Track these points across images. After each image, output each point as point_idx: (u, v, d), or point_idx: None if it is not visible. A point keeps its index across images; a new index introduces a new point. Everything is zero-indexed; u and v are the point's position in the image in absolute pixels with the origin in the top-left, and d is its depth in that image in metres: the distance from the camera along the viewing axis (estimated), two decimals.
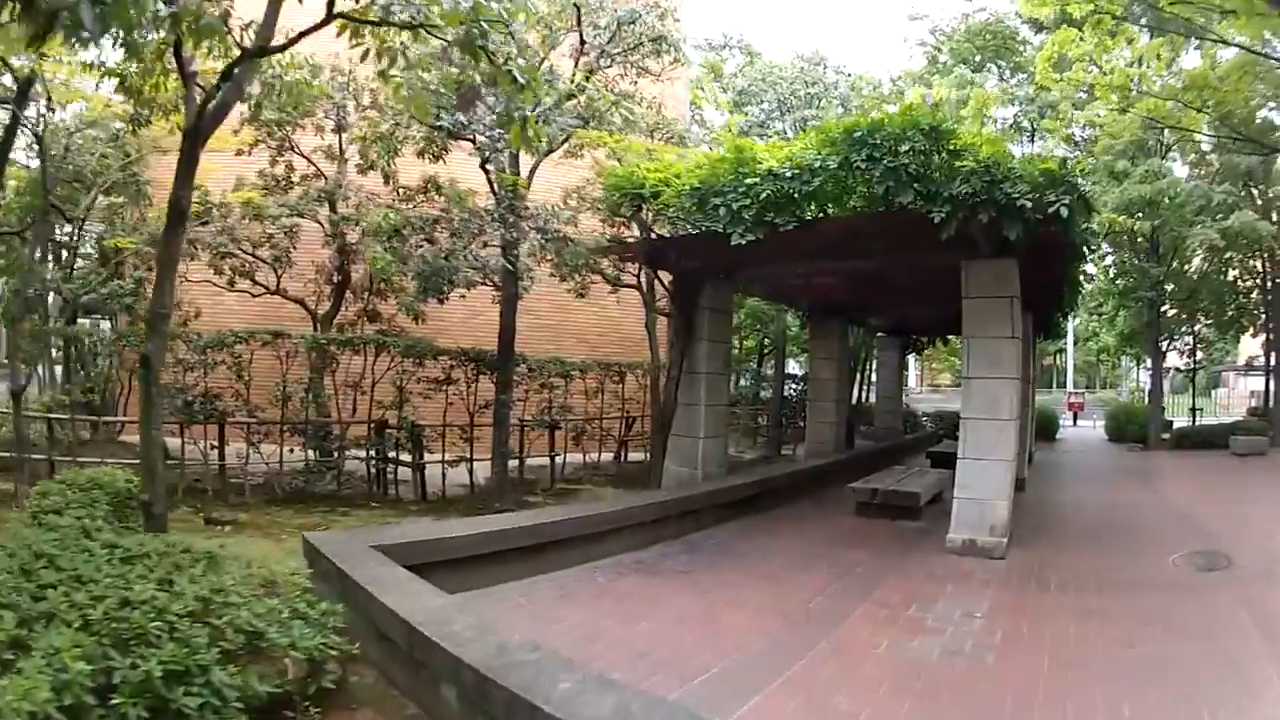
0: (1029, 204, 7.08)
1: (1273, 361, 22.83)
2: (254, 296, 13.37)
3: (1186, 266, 22.18)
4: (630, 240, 11.06)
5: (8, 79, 8.74)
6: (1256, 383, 31.45)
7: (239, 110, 10.83)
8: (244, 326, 11.41)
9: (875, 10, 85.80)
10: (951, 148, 7.65)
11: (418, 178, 12.46)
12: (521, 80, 4.92)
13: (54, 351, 12.71)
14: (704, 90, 19.49)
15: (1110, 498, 12.81)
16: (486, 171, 10.37)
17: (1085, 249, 9.32)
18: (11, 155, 9.57)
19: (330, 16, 5.23)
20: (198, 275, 12.63)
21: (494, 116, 8.78)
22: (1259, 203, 19.08)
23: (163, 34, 5.36)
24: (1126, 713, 4.34)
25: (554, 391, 12.97)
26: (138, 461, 9.83)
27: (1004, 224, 7.28)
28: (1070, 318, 20.72)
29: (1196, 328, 24.62)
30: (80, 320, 14.56)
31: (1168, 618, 6.09)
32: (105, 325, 15.32)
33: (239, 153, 12.08)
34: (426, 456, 11.28)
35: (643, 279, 12.49)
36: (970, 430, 8.30)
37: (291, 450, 10.77)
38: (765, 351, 23.93)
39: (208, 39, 5.37)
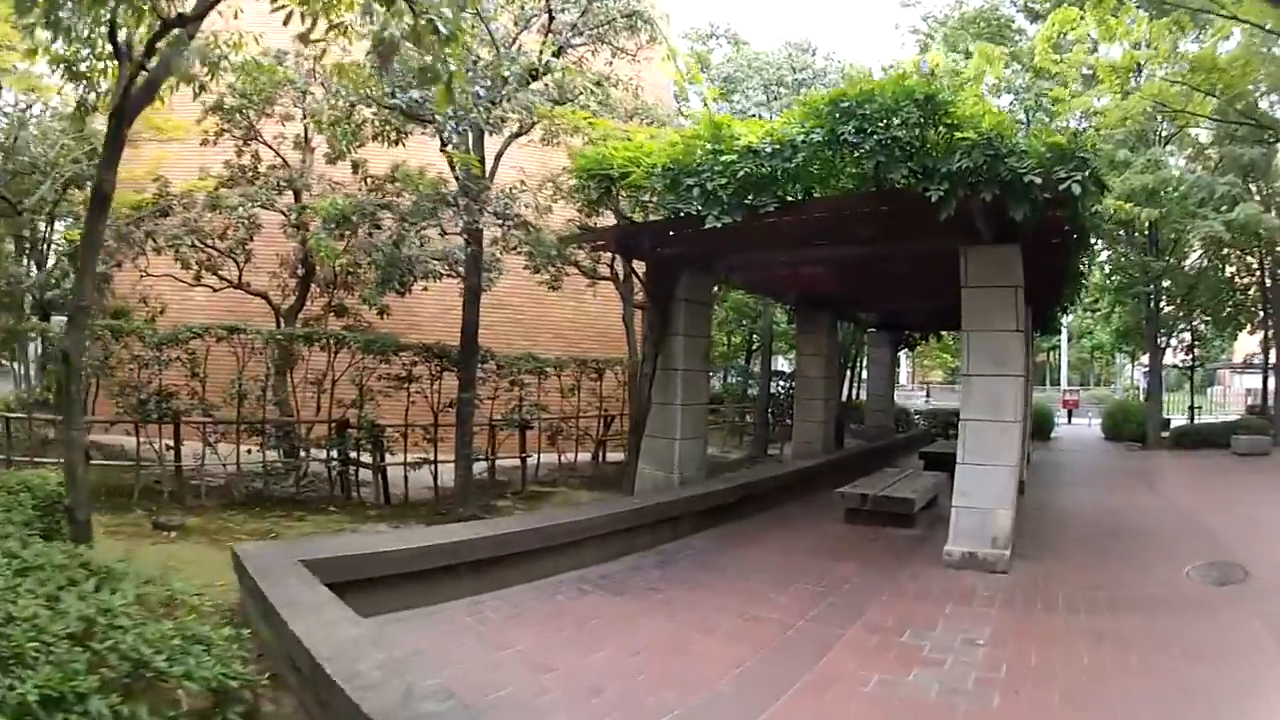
0: (1037, 180, 6.36)
1: (1272, 359, 22.62)
2: (215, 291, 12.81)
3: (1184, 262, 21.78)
4: (603, 228, 10.31)
5: None
6: (1252, 380, 31.18)
7: (203, 99, 10.28)
8: (212, 322, 10.84)
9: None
10: (949, 121, 6.92)
11: (387, 166, 11.76)
12: (445, 32, 4.20)
13: (32, 350, 12.18)
14: (689, 81, 18.81)
15: (1113, 501, 12.15)
16: (447, 154, 9.67)
17: (1092, 236, 8.59)
18: None
19: None
20: (163, 269, 12.22)
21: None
22: (1259, 196, 18.55)
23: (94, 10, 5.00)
24: None
25: (525, 389, 12.28)
26: (109, 462, 9.57)
27: (1008, 203, 6.55)
28: (1066, 313, 20.07)
29: (1194, 324, 24.22)
30: (56, 318, 14.09)
31: (1184, 640, 5.49)
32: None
33: (204, 143, 11.58)
34: (389, 458, 10.68)
35: (619, 270, 11.75)
36: (971, 433, 7.57)
37: (250, 451, 10.23)
38: (753, 348, 23.24)
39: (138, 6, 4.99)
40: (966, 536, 7.39)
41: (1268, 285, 21.75)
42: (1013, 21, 24.06)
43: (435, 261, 11.60)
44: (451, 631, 5.49)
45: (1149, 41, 13.70)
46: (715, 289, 13.25)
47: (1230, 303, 22.88)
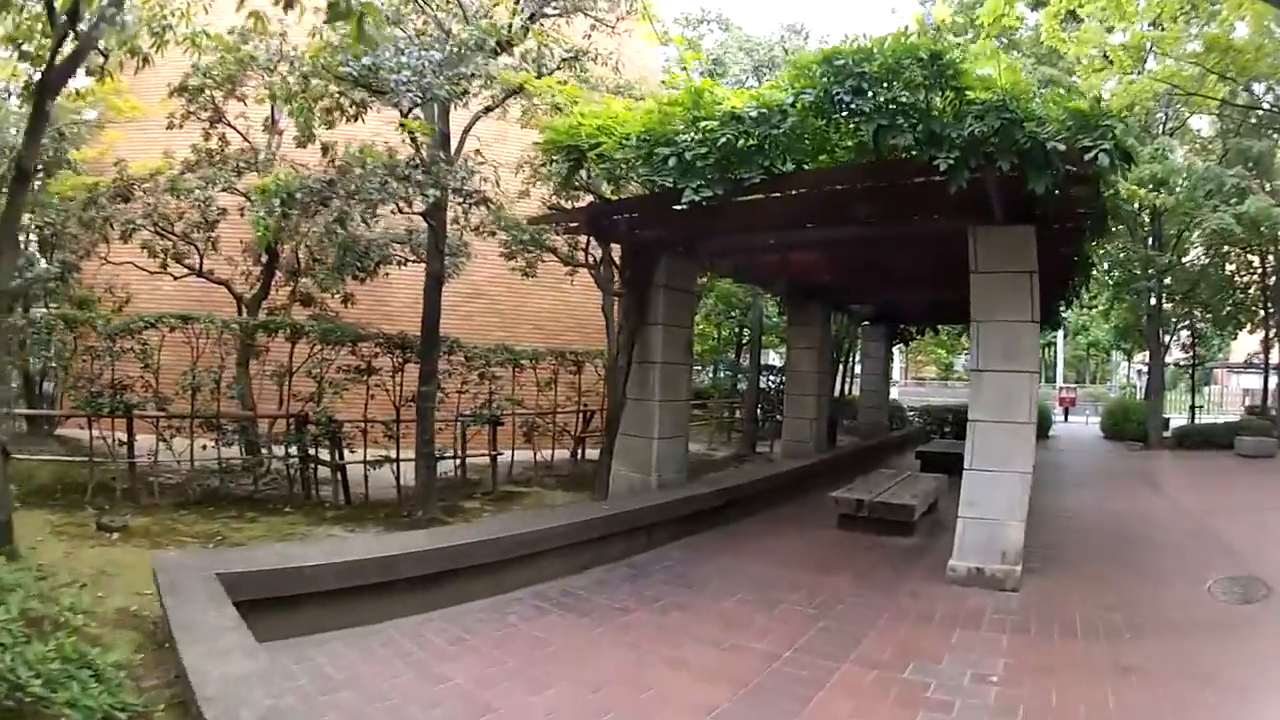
0: (1061, 147, 5.59)
1: (1274, 359, 22.25)
2: (176, 279, 12.05)
3: (1183, 259, 21.25)
4: (575, 209, 9.50)
5: None
6: (1249, 380, 30.69)
7: (167, 79, 10.12)
8: (166, 312, 10.26)
9: None
10: (958, 84, 6.11)
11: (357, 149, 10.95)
12: None
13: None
14: (664, 43, 18.02)
15: (1120, 505, 11.44)
16: (404, 123, 8.89)
17: (1111, 220, 7.84)
18: None
19: None
20: (128, 258, 11.78)
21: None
22: (1267, 189, 17.93)
23: None
24: None
25: (497, 382, 11.53)
26: (69, 458, 9.32)
27: (1027, 175, 5.77)
28: (1070, 307, 19.40)
29: (1195, 323, 23.78)
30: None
31: (1216, 671, 4.86)
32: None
33: (170, 126, 10.87)
34: (350, 455, 9.96)
35: (596, 256, 10.96)
36: (979, 435, 6.78)
37: (205, 446, 9.64)
38: (743, 343, 22.50)
39: None
40: (973, 551, 6.61)
41: (1271, 284, 21.29)
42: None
43: (397, 245, 10.95)
44: (384, 659, 4.77)
45: (1159, 22, 13.02)
46: (700, 277, 12.51)
47: (1230, 301, 22.35)
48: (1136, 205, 15.02)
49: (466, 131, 9.48)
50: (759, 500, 9.66)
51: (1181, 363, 25.27)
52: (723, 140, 6.34)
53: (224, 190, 10.83)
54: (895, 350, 24.33)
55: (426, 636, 5.16)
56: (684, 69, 12.49)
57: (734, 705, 4.25)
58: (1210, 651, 5.21)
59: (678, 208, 6.61)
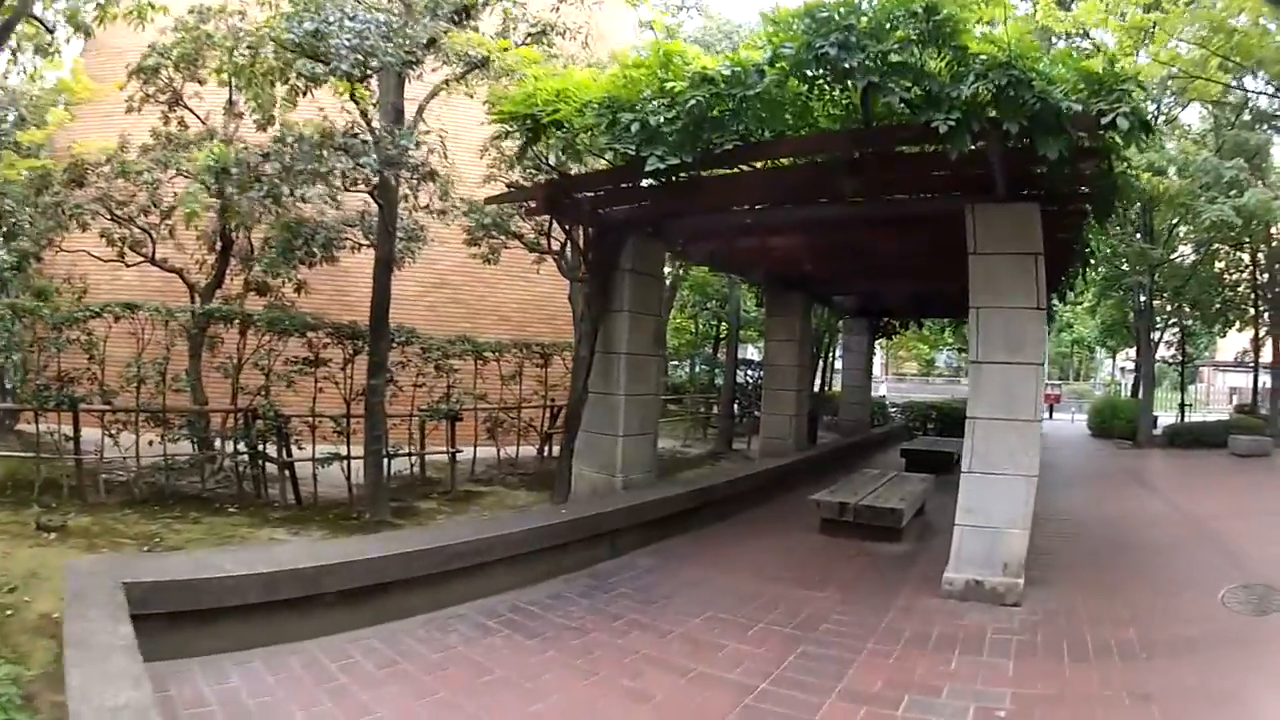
0: (1078, 108, 4.94)
1: (1265, 358, 21.96)
2: (128, 266, 11.41)
3: (1174, 255, 20.84)
4: (532, 186, 8.82)
5: None
6: (1235, 379, 30.49)
7: (124, 61, 10.03)
8: (111, 300, 9.78)
9: None
10: (956, 44, 5.44)
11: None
12: None
13: None
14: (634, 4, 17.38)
15: (1118, 507, 10.87)
16: (356, 100, 8.20)
17: (1119, 199, 7.22)
18: None
19: None
20: (88, 246, 11.20)
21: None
22: (1264, 183, 17.51)
23: None
24: None
25: (456, 375, 10.87)
26: (21, 454, 8.83)
27: (1037, 140, 5.12)
28: (1063, 300, 18.87)
29: (1184, 320, 23.33)
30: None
31: (1239, 690, 4.47)
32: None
33: (129, 110, 10.39)
34: (300, 452, 9.36)
35: (561, 241, 10.27)
36: (979, 435, 6.11)
37: (151, 442, 9.11)
38: (721, 336, 21.87)
39: None
40: (971, 562, 5.97)
41: (1262, 281, 20.94)
42: None
43: (349, 229, 10.30)
44: (304, 684, 4.19)
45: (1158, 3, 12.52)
46: (673, 263, 11.79)
47: (1219, 299, 22.00)
48: (1130, 195, 14.52)
49: (423, 107, 8.88)
50: (734, 502, 9.02)
51: (1170, 360, 24.84)
52: (692, 103, 5.63)
53: (177, 174, 10.24)
54: (876, 345, 23.78)
55: (355, 658, 4.56)
56: (653, 29, 11.79)
57: None
58: (1231, 670, 4.74)
59: (645, 183, 5.92)
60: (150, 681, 3.26)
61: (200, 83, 10.24)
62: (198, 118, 10.92)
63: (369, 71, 7.78)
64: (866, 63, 5.24)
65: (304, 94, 8.84)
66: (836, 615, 5.60)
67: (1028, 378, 6.00)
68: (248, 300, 11.68)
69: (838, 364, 23.08)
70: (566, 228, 8.98)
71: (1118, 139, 5.57)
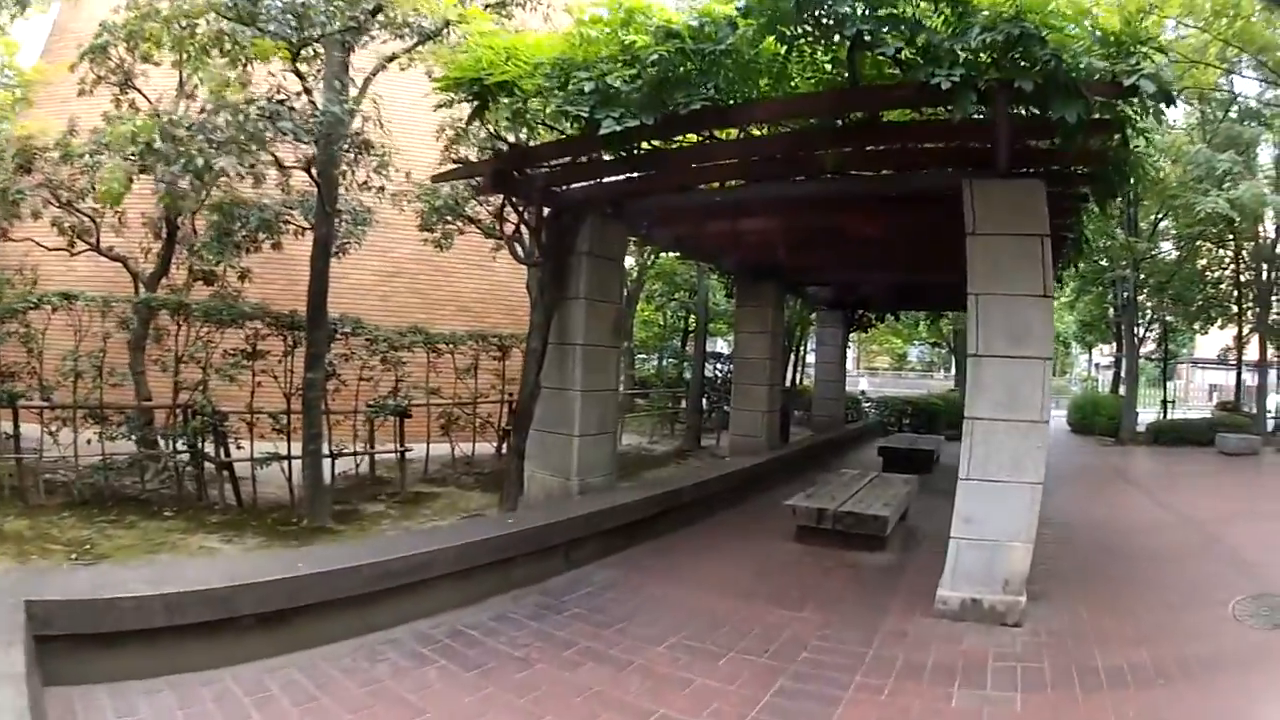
0: (1101, 63, 4.31)
1: (1248, 355, 21.98)
2: (73, 255, 10.89)
3: (1156, 251, 20.73)
4: (479, 162, 8.13)
5: None
6: (1214, 376, 30.39)
7: (76, 42, 9.68)
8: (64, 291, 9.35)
9: None
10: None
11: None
12: None
13: None
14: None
15: (1112, 512, 10.34)
16: (300, 75, 7.56)
17: (1131, 177, 6.63)
18: None
19: None
20: (40, 235, 10.70)
21: None
22: (1261, 177, 17.30)
23: None
24: None
25: (405, 368, 10.27)
26: None
27: (1050, 101, 4.48)
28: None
29: (1165, 316, 23.30)
30: None
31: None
32: None
33: (80, 93, 9.88)
34: (239, 450, 8.95)
35: (515, 223, 9.62)
36: (980, 437, 5.44)
37: (89, 441, 8.75)
38: (690, 330, 21.27)
39: None
40: (969, 578, 5.33)
41: (1245, 279, 20.88)
42: None
43: (289, 211, 9.66)
44: None
45: None
46: (651, 253, 11.10)
47: (1201, 296, 21.95)
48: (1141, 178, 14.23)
49: (369, 80, 8.30)
50: (702, 505, 8.35)
51: (1151, 357, 24.68)
52: (654, 59, 4.93)
53: (124, 157, 9.47)
54: (850, 339, 23.29)
55: (271, 691, 3.94)
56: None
57: None
58: (1252, 693, 4.42)
59: (606, 157, 5.23)
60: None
61: (155, 64, 9.69)
62: (148, 100, 10.29)
63: (308, 38, 7.17)
64: (852, 13, 4.57)
65: (244, 65, 8.29)
66: (818, 641, 4.94)
67: (1033, 373, 5.33)
68: (194, 290, 11.17)
69: (809, 358, 22.53)
70: (520, 208, 8.26)
71: (1132, 111, 5.01)
